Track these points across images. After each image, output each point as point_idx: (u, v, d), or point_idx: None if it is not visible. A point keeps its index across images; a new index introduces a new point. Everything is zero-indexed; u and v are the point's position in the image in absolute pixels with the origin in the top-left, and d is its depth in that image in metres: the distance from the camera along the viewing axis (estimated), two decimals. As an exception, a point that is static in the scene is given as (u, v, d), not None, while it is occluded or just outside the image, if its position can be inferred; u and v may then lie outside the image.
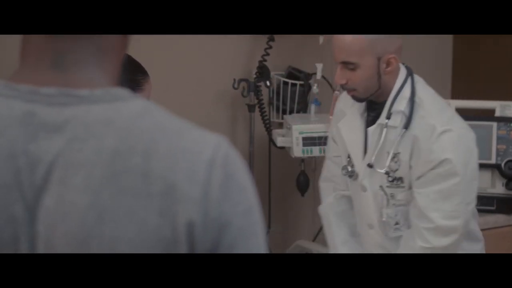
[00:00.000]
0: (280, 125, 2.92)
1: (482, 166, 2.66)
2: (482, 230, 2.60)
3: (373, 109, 2.08)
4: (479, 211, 2.66)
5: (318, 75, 2.85)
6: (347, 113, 2.14)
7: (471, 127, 2.68)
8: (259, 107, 2.86)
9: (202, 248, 0.89)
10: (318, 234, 3.03)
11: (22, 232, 0.89)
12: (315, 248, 2.70)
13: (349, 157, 2.14)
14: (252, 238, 0.92)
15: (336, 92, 2.70)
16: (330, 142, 2.28)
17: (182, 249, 0.88)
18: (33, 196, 0.89)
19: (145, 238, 0.88)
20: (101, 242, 0.88)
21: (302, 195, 2.93)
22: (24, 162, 0.89)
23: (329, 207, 2.28)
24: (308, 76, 2.94)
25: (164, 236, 0.88)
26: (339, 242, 2.24)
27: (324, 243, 2.85)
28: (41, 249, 0.89)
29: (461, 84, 3.42)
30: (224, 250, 0.90)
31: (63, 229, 0.88)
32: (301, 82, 2.91)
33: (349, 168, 2.13)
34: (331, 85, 2.91)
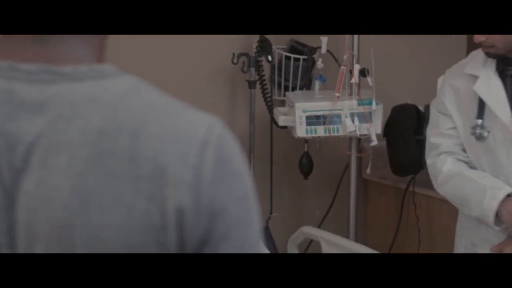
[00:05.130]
0: (282, 103, 2.89)
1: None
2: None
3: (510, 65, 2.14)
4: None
5: (323, 49, 2.81)
6: (480, 75, 2.17)
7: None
8: (260, 83, 2.83)
9: (193, 236, 0.87)
10: (324, 220, 3.01)
11: (0, 218, 0.87)
12: (321, 235, 2.68)
13: (479, 117, 2.15)
14: (247, 228, 0.91)
15: (343, 67, 2.67)
16: (437, 117, 2.27)
17: (172, 236, 0.87)
18: (12, 180, 0.87)
19: (132, 224, 0.86)
20: (86, 229, 0.86)
21: (305, 178, 2.91)
22: (1, 143, 0.87)
23: (453, 165, 2.24)
24: (312, 50, 2.91)
25: (153, 222, 0.86)
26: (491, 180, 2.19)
27: (330, 229, 2.84)
28: (21, 236, 0.87)
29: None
30: (217, 239, 0.88)
31: (45, 215, 0.86)
32: (305, 57, 2.88)
33: (478, 130, 2.15)
34: (336, 60, 2.88)
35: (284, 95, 2.87)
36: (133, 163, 0.86)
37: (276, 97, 2.92)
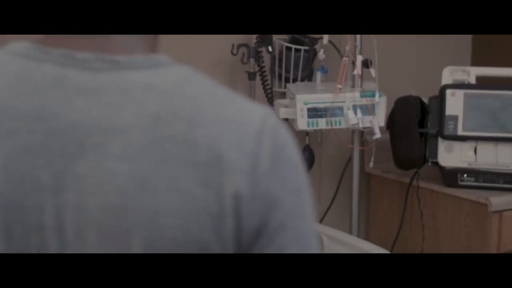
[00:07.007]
0: (283, 95, 2.87)
1: (504, 140, 2.63)
2: (505, 210, 2.58)
3: None
4: (503, 189, 2.64)
5: (325, 40, 2.79)
6: None
7: (491, 97, 2.65)
8: (260, 75, 2.81)
9: (249, 223, 0.89)
10: (325, 215, 3.00)
11: (47, 201, 0.87)
12: (322, 230, 2.67)
13: None
14: (303, 219, 0.92)
15: (345, 58, 2.65)
16: None
17: (228, 223, 0.88)
18: (64, 163, 0.87)
19: (189, 210, 0.87)
20: (142, 213, 0.86)
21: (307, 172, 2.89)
22: (54, 126, 0.88)
23: None
24: (314, 41, 2.89)
25: (210, 208, 0.87)
26: None
27: (332, 224, 2.82)
28: (71, 221, 0.87)
29: (482, 49, 3.38)
30: (273, 230, 0.90)
31: (98, 199, 0.87)
32: (306, 48, 2.87)
33: None
34: (339, 51, 2.86)
35: (285, 87, 2.85)
36: (189, 149, 0.87)
37: (276, 89, 2.90)
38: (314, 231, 0.94)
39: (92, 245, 0.88)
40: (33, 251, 0.89)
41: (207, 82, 0.94)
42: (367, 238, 3.01)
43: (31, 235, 0.88)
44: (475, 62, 3.31)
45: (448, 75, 2.73)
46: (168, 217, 0.87)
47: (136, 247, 0.88)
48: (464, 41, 3.36)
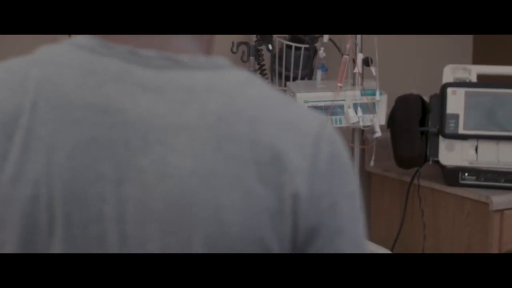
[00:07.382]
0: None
1: (505, 138, 2.63)
2: (507, 209, 2.58)
3: None
4: (504, 188, 2.64)
5: (325, 38, 2.79)
6: None
7: (492, 96, 2.65)
8: (260, 73, 2.81)
9: (305, 224, 0.92)
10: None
11: (109, 192, 0.89)
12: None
13: None
14: (358, 223, 0.96)
15: (345, 56, 2.65)
16: None
17: (287, 221, 0.90)
18: (127, 156, 0.89)
19: (250, 207, 0.89)
20: (205, 208, 0.88)
21: (307, 170, 2.89)
22: (118, 119, 0.89)
23: None
24: (314, 39, 2.88)
25: (270, 206, 0.90)
26: None
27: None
28: (132, 213, 0.89)
29: (483, 47, 3.38)
30: (330, 233, 0.93)
31: (161, 192, 0.88)
32: (306, 46, 2.86)
33: None
34: (339, 49, 2.86)
35: (285, 85, 2.84)
36: (251, 149, 0.89)
37: (276, 87, 2.89)
38: (365, 235, 0.98)
39: (153, 238, 0.90)
40: (92, 241, 0.90)
41: (265, 85, 0.97)
42: (368, 237, 3.01)
43: (91, 225, 0.90)
44: (476, 61, 3.31)
45: (449, 74, 2.73)
46: (230, 214, 0.89)
47: (197, 242, 0.89)
48: (465, 39, 3.35)
